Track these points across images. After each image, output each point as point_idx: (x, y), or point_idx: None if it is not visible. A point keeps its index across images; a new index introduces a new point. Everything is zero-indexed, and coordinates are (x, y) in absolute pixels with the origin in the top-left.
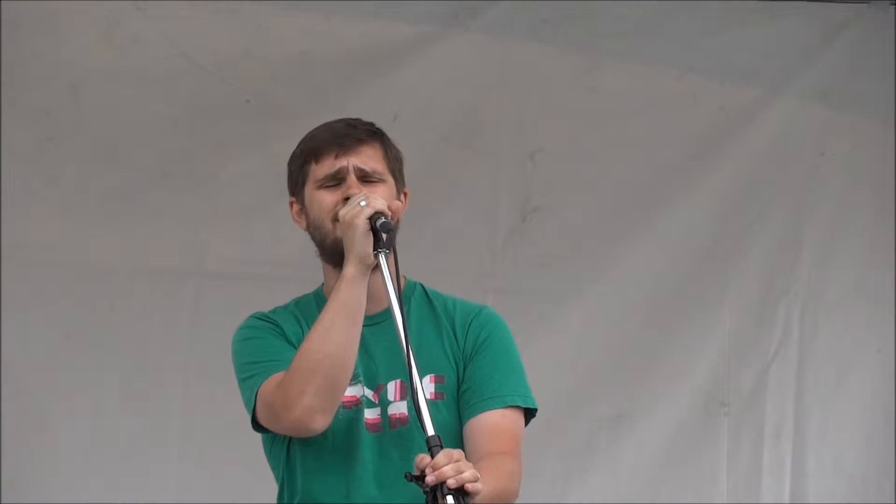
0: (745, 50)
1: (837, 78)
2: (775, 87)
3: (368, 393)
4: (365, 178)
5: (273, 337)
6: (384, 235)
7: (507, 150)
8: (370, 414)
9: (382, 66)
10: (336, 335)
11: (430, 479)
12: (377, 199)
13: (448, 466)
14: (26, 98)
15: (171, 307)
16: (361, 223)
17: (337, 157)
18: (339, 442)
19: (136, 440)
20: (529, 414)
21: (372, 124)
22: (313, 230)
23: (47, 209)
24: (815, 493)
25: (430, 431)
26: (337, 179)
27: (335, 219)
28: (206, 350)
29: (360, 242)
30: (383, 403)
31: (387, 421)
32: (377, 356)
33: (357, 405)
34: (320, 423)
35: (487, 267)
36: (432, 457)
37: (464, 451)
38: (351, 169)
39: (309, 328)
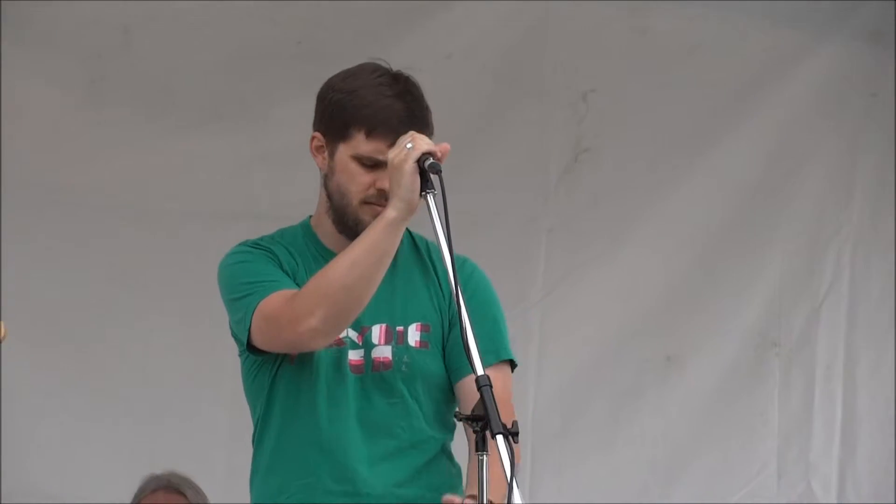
0: None
1: (888, 18)
2: (825, 27)
3: (353, 334)
4: None
5: (268, 262)
6: (433, 176)
7: (559, 91)
8: (354, 355)
9: (433, 8)
10: (359, 271)
11: None
12: (423, 139)
13: None
14: (77, 41)
15: (222, 248)
16: (409, 167)
17: (390, 146)
18: (322, 380)
19: (189, 380)
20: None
21: (425, 108)
22: (335, 193)
23: (99, 150)
24: (867, 432)
25: (480, 371)
26: (378, 164)
27: (364, 201)
28: None
29: (406, 187)
30: (367, 346)
31: (370, 363)
32: None
33: (340, 345)
34: (320, 344)
35: (540, 207)
36: (482, 397)
37: (458, 408)
38: None
39: (300, 261)
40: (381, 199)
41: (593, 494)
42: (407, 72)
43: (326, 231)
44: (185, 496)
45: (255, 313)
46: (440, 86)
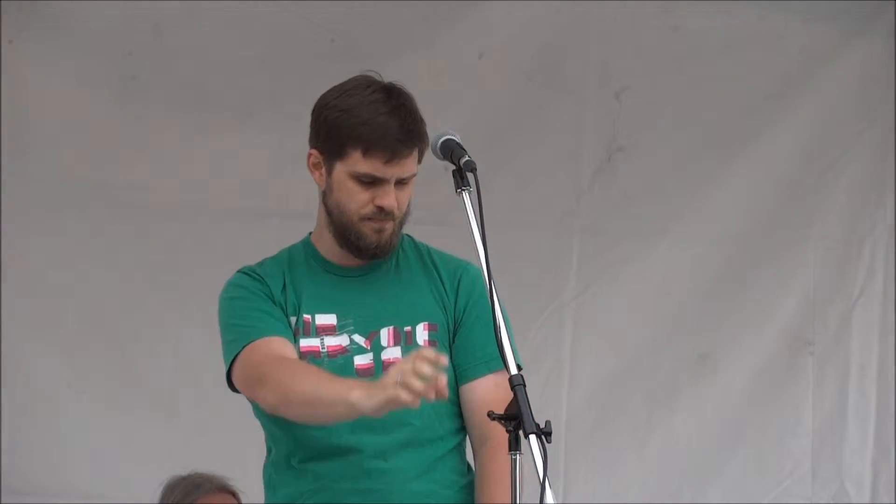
0: None
1: None
2: (859, 25)
3: (359, 339)
4: (400, 182)
5: (258, 298)
6: (468, 174)
7: (592, 90)
8: (361, 360)
9: (466, 7)
10: (312, 412)
11: None
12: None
13: None
14: (109, 38)
15: (256, 246)
16: (388, 396)
17: (386, 163)
18: None
19: (219, 379)
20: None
21: (419, 122)
22: (335, 210)
23: (131, 149)
24: None
25: (514, 370)
26: (376, 180)
27: (364, 217)
28: None
29: (378, 409)
30: (376, 349)
31: (380, 365)
32: (369, 304)
33: (345, 353)
34: (276, 412)
35: (573, 206)
36: (516, 396)
37: (462, 412)
38: (393, 181)
39: (292, 285)
40: (380, 214)
41: (627, 493)
42: (399, 83)
43: (327, 245)
44: (237, 498)
45: (237, 363)
46: (473, 85)
